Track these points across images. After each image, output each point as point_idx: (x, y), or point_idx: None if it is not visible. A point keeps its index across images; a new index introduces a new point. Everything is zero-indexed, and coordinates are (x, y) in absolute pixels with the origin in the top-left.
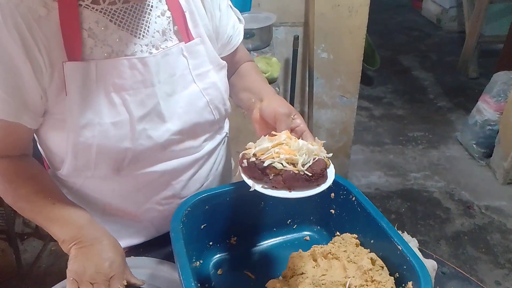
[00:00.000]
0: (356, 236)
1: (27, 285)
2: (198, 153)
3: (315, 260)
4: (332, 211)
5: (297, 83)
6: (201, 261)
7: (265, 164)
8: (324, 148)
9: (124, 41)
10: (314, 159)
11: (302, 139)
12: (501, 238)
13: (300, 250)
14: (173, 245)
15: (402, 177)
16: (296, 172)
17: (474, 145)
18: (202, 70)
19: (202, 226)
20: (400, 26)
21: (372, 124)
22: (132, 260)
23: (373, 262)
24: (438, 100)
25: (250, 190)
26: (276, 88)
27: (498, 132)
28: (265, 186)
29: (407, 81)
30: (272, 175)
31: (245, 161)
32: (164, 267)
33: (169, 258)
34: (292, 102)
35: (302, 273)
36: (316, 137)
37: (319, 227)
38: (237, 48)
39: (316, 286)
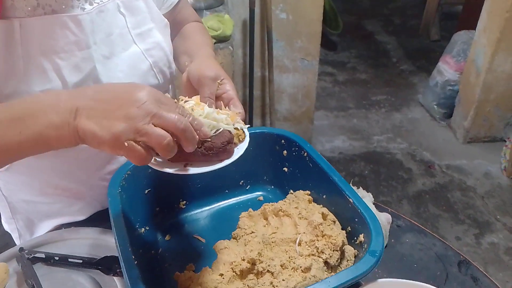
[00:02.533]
0: (309, 192)
1: None
2: None
3: (265, 219)
4: (285, 169)
5: (256, 46)
6: (147, 228)
7: None
8: (287, 114)
9: None
10: (217, 131)
11: (228, 107)
12: (461, 196)
13: (250, 209)
14: (110, 211)
15: (366, 141)
16: (202, 147)
17: (435, 106)
18: (144, 28)
19: (146, 191)
20: None
21: (336, 89)
22: (71, 231)
23: (324, 217)
24: (401, 63)
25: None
26: (230, 47)
27: (458, 92)
28: (158, 159)
29: (370, 45)
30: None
31: None
32: (107, 236)
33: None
34: (251, 66)
35: (252, 232)
36: (239, 107)
37: (272, 187)
38: (178, 6)
39: (266, 244)
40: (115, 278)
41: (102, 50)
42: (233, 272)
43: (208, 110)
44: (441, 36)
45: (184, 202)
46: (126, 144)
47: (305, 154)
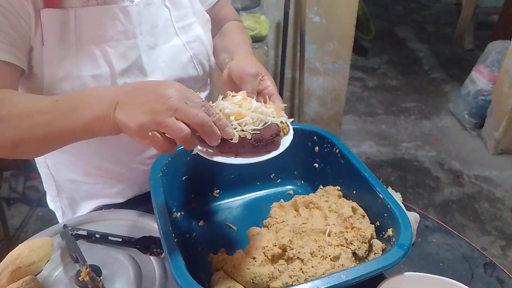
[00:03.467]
0: (339, 188)
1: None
2: None
3: (296, 210)
4: (316, 165)
5: (288, 48)
6: (182, 213)
7: None
8: (315, 117)
9: None
10: (265, 124)
11: (269, 102)
12: (489, 207)
13: (282, 200)
14: (152, 194)
15: (394, 147)
16: (243, 136)
17: (466, 116)
18: (186, 22)
19: (184, 177)
20: None
21: (365, 94)
22: (112, 212)
23: (354, 210)
24: (432, 71)
25: (193, 153)
26: (265, 47)
27: (490, 102)
28: (210, 150)
29: (402, 52)
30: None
31: None
32: (145, 218)
33: (150, 211)
34: (283, 68)
35: (283, 221)
36: (279, 102)
37: (302, 182)
38: (219, 4)
39: (296, 233)
40: (151, 257)
41: (147, 41)
42: (265, 256)
43: (256, 104)
44: (475, 45)
45: (218, 191)
46: (150, 134)
47: (337, 150)
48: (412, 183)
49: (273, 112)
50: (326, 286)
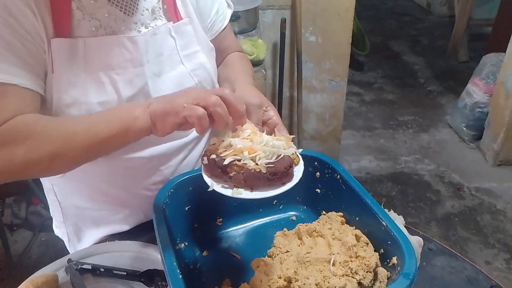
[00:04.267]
0: (342, 214)
1: (17, 275)
2: (187, 137)
3: (300, 238)
4: (318, 190)
5: (285, 67)
6: (186, 243)
7: (226, 162)
8: (314, 133)
9: (112, 17)
10: (278, 156)
11: (274, 133)
12: (491, 219)
13: (285, 229)
14: (155, 227)
15: (393, 161)
16: (258, 170)
17: (464, 128)
18: (191, 50)
19: (187, 207)
20: (391, 11)
21: (363, 109)
22: (116, 244)
23: (357, 238)
24: (428, 84)
25: (208, 190)
26: (263, 71)
27: (487, 114)
28: (226, 185)
29: (397, 66)
30: (233, 173)
31: (205, 158)
32: (149, 249)
33: (154, 241)
34: (281, 87)
35: (287, 251)
36: (285, 132)
37: (305, 207)
38: (222, 34)
39: (300, 263)
40: None
41: (153, 68)
42: None
43: (267, 138)
44: (469, 57)
45: (221, 219)
46: (185, 105)
47: (338, 176)
48: (413, 197)
49: (283, 144)
50: None
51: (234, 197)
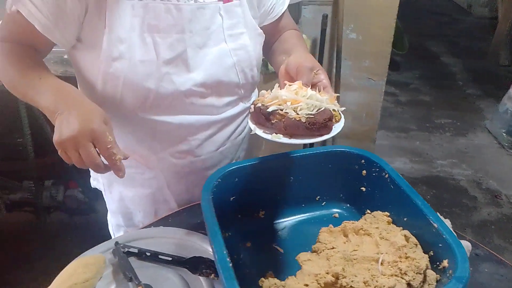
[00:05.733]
0: (388, 214)
1: (53, 257)
2: (218, 115)
3: (345, 236)
4: (363, 188)
5: (323, 64)
6: (230, 234)
7: (269, 110)
8: (349, 132)
9: None
10: (320, 109)
11: (323, 92)
12: None
13: (331, 225)
14: (204, 215)
15: (428, 164)
16: (298, 119)
17: (504, 134)
18: (236, 31)
19: (231, 198)
20: (429, 11)
21: (398, 110)
22: (160, 230)
23: (406, 239)
24: (467, 87)
25: (251, 133)
26: None
27: None
28: (267, 132)
29: (435, 67)
30: (275, 121)
31: (252, 106)
32: (192, 237)
33: (196, 229)
34: None
35: (333, 248)
36: (330, 92)
37: (348, 205)
38: (281, 16)
39: (347, 260)
40: (200, 277)
41: (196, 39)
42: (318, 284)
43: (311, 92)
44: (511, 61)
45: (263, 212)
46: (58, 143)
47: (386, 175)
48: (448, 202)
49: (327, 100)
50: None
51: (277, 188)
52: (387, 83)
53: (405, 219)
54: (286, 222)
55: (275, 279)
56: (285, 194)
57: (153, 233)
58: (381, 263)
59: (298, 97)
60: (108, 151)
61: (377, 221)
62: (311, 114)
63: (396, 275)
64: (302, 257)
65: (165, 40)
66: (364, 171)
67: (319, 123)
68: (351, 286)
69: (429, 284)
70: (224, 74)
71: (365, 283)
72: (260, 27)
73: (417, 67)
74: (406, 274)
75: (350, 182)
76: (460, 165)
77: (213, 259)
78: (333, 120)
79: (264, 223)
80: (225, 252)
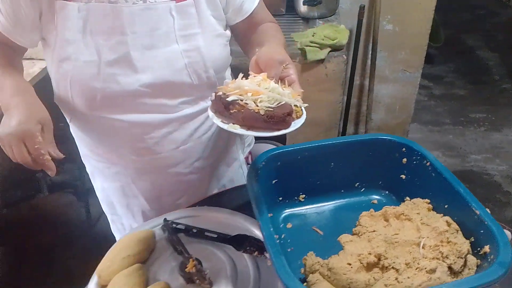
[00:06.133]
0: (429, 201)
1: (95, 235)
2: (174, 114)
3: (386, 220)
4: (403, 176)
5: (359, 55)
6: (271, 215)
7: (229, 99)
8: (382, 125)
9: None
10: (280, 103)
11: (288, 87)
12: None
13: (372, 210)
14: (250, 195)
15: (461, 159)
16: (257, 111)
17: None
18: (189, 32)
19: (274, 181)
20: (465, 3)
21: (431, 103)
22: (205, 209)
23: (448, 224)
24: (503, 81)
25: (209, 120)
26: (343, 56)
27: None
28: (225, 121)
29: (470, 60)
30: (234, 111)
31: (213, 94)
32: (236, 217)
33: (238, 210)
34: (352, 75)
35: (374, 231)
36: (297, 88)
37: (387, 192)
38: (253, 13)
39: (388, 243)
40: (244, 254)
41: (142, 41)
42: (360, 263)
43: (274, 85)
44: None
45: (303, 196)
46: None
47: (428, 163)
48: (481, 197)
49: (289, 94)
50: None
51: (318, 173)
52: (421, 76)
53: (445, 206)
54: (325, 206)
55: (318, 257)
56: (325, 180)
57: (198, 212)
58: (423, 247)
59: (260, 89)
60: (35, 151)
61: (417, 207)
62: (270, 107)
63: (437, 258)
64: (344, 238)
65: (107, 42)
66: (405, 159)
67: (277, 117)
68: (392, 267)
69: (469, 269)
70: (174, 76)
71: (406, 265)
72: (232, 25)
73: (451, 61)
74: (447, 257)
75: (389, 169)
76: (494, 160)
77: (256, 237)
78: (294, 116)
79: (304, 206)
80: (272, 229)
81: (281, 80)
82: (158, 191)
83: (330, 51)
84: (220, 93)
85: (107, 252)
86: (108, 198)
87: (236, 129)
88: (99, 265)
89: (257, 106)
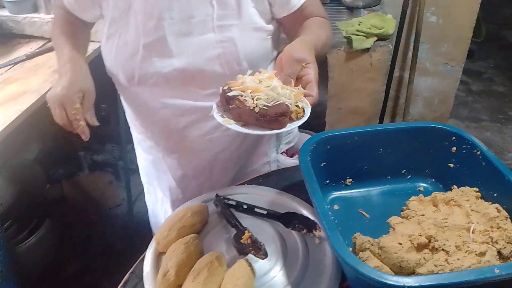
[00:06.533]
0: (477, 189)
1: (133, 214)
2: (202, 103)
3: (435, 206)
4: (451, 164)
5: (400, 46)
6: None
7: (230, 94)
8: (419, 118)
9: None
10: (277, 102)
11: (305, 89)
12: None
13: (421, 195)
14: (304, 174)
15: (499, 156)
16: (252, 108)
17: None
18: (226, 22)
19: (322, 164)
20: None
21: (469, 99)
22: (254, 188)
23: (498, 211)
24: None
25: (210, 114)
26: (390, 45)
27: None
28: (225, 116)
29: (511, 57)
30: (233, 106)
31: (221, 87)
32: (283, 197)
33: (286, 191)
34: (392, 67)
35: (423, 215)
36: (311, 89)
37: (433, 180)
38: (301, 7)
39: (438, 227)
40: (293, 231)
41: (179, 26)
42: (411, 243)
43: (276, 84)
44: None
45: (350, 180)
46: (49, 100)
47: (478, 152)
48: None
49: (290, 94)
50: (480, 277)
51: (365, 158)
52: None
53: (495, 194)
54: (371, 191)
55: (368, 236)
56: (373, 165)
57: (247, 190)
58: (472, 232)
59: (259, 86)
60: (72, 116)
61: (465, 195)
62: (266, 106)
63: (487, 243)
64: (394, 220)
65: (146, 25)
66: (454, 148)
67: (270, 116)
68: (442, 249)
69: None
70: (206, 64)
71: (456, 247)
72: (279, 18)
73: (492, 57)
74: (497, 242)
75: (438, 157)
76: None
77: (306, 215)
78: (294, 117)
79: (350, 190)
80: (326, 206)
81: (299, 79)
82: (183, 171)
83: (376, 40)
84: (226, 87)
85: (164, 222)
86: (145, 168)
87: (231, 124)
88: (156, 234)
89: (254, 103)
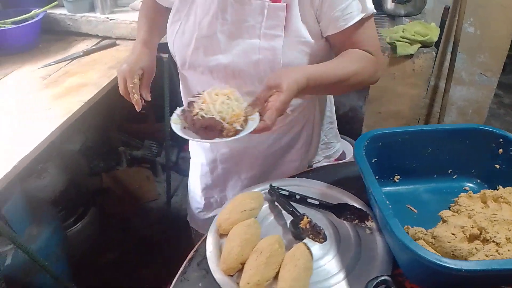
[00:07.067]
0: None
1: (170, 210)
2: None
3: (484, 202)
4: (497, 166)
5: (437, 56)
6: None
7: (190, 98)
8: None
9: None
10: (210, 116)
11: (264, 114)
12: None
13: (470, 191)
14: (360, 167)
15: None
16: (192, 115)
17: None
18: (272, 32)
19: (373, 160)
20: None
21: (501, 111)
22: (304, 180)
23: None
24: None
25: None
26: (433, 52)
27: None
28: (186, 125)
29: None
30: (188, 111)
31: (189, 98)
32: (332, 190)
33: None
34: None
35: (472, 210)
36: (265, 115)
37: (479, 180)
38: (347, 31)
39: (488, 221)
40: (345, 222)
41: (230, 27)
42: (464, 234)
43: (221, 100)
44: None
45: (398, 176)
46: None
47: None
48: None
49: (226, 113)
50: None
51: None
52: None
53: None
54: (417, 187)
55: (419, 227)
56: (421, 163)
57: (298, 182)
58: None
59: (207, 98)
60: (130, 88)
61: None
62: (202, 116)
63: None
64: (445, 213)
65: (204, 20)
66: (501, 150)
67: (197, 125)
68: (493, 240)
69: None
70: (247, 66)
71: (507, 239)
72: (327, 36)
73: None
74: None
75: (484, 159)
76: None
77: (357, 206)
78: (224, 134)
79: (398, 186)
80: (384, 196)
81: (266, 102)
82: (213, 154)
83: (420, 47)
84: (193, 98)
85: (224, 207)
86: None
87: (177, 123)
88: (218, 217)
89: (197, 112)
